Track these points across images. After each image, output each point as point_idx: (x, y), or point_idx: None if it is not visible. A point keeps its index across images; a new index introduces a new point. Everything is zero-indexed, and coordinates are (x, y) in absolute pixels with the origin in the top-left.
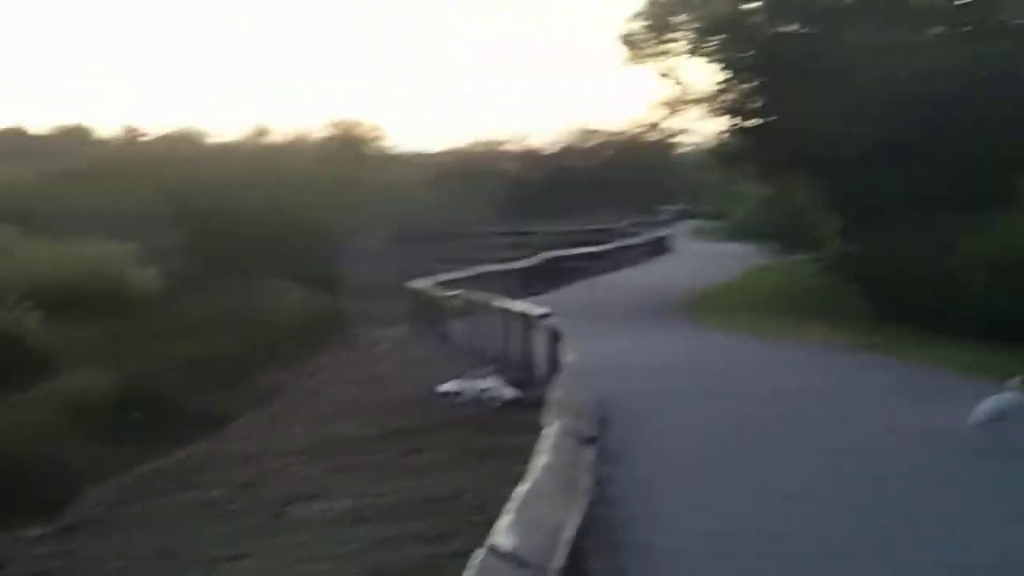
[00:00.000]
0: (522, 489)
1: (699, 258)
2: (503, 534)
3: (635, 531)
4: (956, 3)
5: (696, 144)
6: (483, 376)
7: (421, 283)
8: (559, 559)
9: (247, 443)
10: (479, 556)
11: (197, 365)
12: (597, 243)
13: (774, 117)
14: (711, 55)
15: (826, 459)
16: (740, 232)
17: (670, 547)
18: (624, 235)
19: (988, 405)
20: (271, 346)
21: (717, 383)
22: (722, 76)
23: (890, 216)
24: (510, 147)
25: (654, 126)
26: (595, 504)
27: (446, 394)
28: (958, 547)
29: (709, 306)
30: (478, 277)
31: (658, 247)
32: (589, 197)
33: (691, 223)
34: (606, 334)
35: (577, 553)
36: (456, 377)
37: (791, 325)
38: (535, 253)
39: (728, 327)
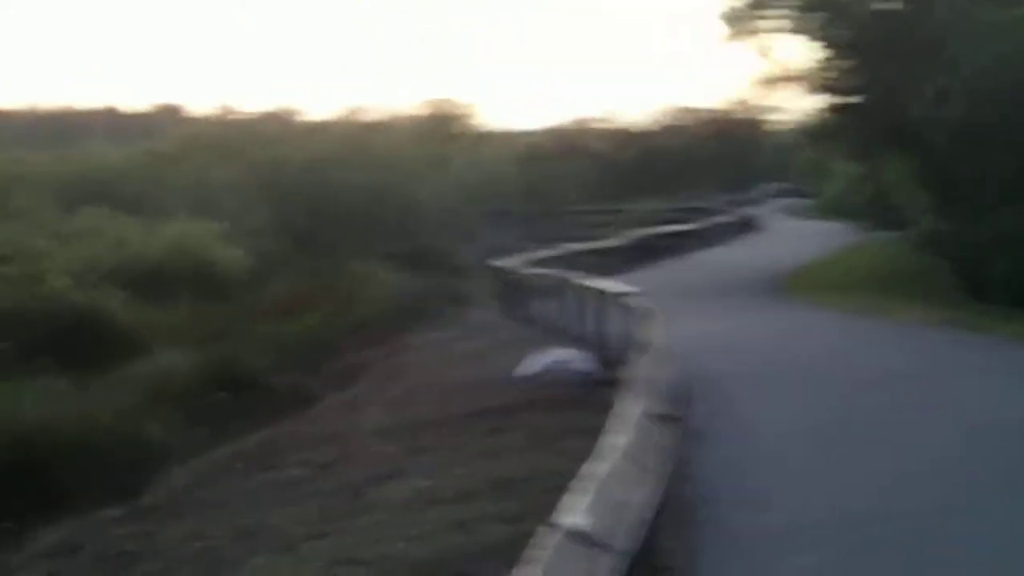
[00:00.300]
0: (596, 468)
1: (791, 236)
2: (573, 513)
3: (715, 511)
4: None
5: (789, 122)
6: (563, 353)
7: (507, 262)
8: (632, 539)
9: (329, 423)
10: (548, 535)
11: (283, 345)
12: (688, 221)
13: (867, 95)
14: (811, 33)
15: (917, 441)
16: (832, 210)
17: (747, 528)
18: (715, 213)
19: None
20: (358, 326)
21: (807, 362)
22: (820, 54)
23: (981, 194)
24: (603, 125)
25: (748, 104)
26: (673, 484)
27: (524, 374)
28: None
29: (799, 284)
30: (567, 256)
31: (750, 225)
32: (681, 176)
33: (783, 201)
34: (693, 312)
35: (651, 533)
36: (536, 355)
37: (883, 303)
38: (625, 231)
39: (819, 305)
